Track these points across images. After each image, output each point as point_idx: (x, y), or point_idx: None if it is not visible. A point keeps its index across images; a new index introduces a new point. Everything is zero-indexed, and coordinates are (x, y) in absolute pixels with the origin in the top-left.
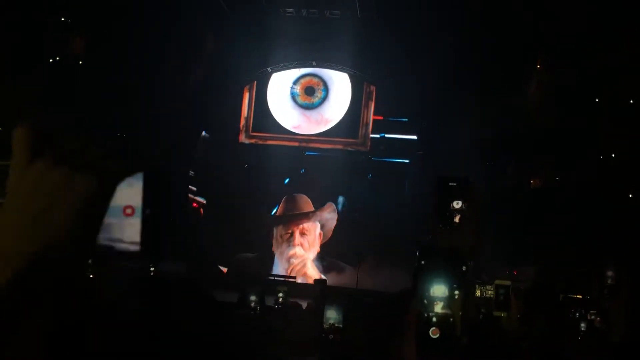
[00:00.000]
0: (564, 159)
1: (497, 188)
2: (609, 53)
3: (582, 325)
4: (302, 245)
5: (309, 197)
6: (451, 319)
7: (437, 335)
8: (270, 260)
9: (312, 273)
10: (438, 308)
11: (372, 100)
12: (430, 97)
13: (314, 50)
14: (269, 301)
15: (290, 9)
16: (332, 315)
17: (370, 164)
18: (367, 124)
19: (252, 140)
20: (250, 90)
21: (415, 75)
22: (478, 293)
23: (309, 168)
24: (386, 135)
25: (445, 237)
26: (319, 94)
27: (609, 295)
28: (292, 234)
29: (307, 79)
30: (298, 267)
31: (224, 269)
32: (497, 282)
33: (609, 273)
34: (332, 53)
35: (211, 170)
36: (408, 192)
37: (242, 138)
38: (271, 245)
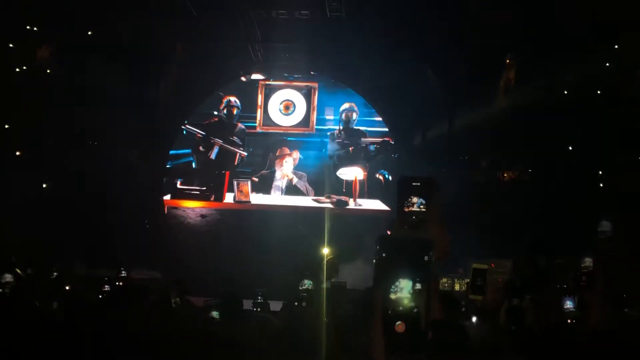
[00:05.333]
0: (536, 152)
1: (471, 183)
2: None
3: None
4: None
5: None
6: (416, 311)
7: (402, 329)
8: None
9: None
10: (402, 302)
11: (315, 95)
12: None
13: (285, 52)
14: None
15: (261, 11)
16: None
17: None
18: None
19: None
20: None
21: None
22: (457, 287)
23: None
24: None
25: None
26: (292, 109)
27: (586, 284)
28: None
29: (285, 102)
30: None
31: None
32: (474, 265)
33: (586, 262)
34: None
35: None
36: None
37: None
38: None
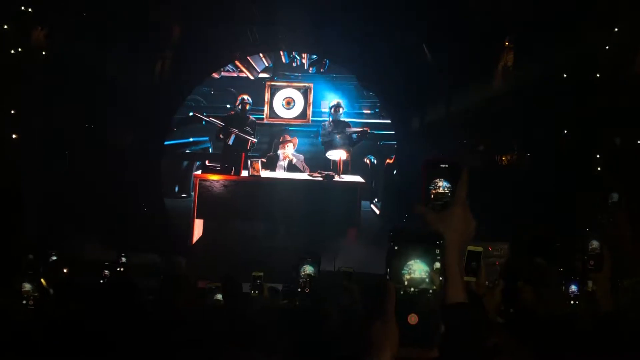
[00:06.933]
0: (534, 135)
1: (469, 166)
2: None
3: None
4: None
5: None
6: (430, 294)
7: (415, 322)
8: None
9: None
10: (415, 283)
11: (310, 93)
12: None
13: (283, 34)
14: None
15: None
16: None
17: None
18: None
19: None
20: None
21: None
22: None
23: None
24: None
25: (430, 218)
26: (292, 104)
27: (594, 267)
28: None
29: (287, 99)
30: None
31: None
32: (469, 248)
33: (593, 244)
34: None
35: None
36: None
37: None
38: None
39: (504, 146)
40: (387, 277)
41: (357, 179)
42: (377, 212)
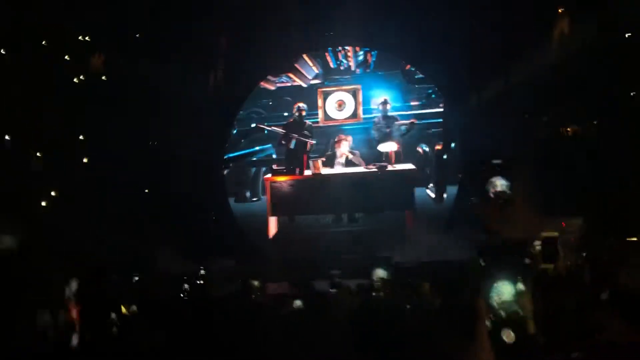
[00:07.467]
0: (599, 104)
1: (534, 141)
2: None
3: None
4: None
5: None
6: (522, 315)
7: (512, 339)
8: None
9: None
10: (507, 308)
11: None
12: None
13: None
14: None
15: None
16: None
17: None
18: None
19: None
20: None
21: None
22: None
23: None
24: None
25: (493, 218)
26: (343, 106)
27: None
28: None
29: (339, 101)
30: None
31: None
32: (544, 234)
33: None
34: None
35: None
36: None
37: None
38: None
39: (569, 117)
40: (476, 295)
41: (410, 166)
42: (432, 195)
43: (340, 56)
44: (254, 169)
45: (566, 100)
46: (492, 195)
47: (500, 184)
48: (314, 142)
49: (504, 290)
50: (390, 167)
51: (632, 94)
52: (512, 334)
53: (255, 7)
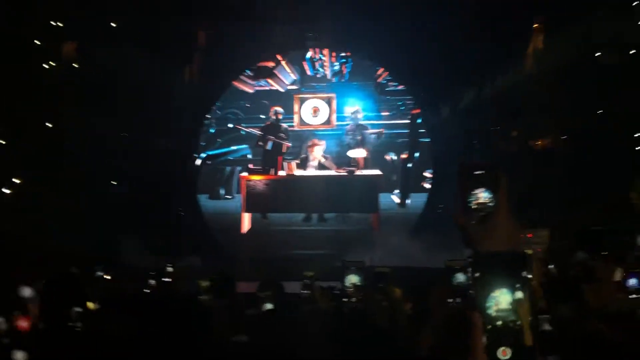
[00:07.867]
0: (568, 118)
1: (502, 153)
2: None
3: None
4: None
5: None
6: (518, 325)
7: (508, 356)
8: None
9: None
10: (503, 317)
11: (334, 102)
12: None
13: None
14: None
15: None
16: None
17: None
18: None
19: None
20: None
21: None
22: None
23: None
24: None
25: (473, 231)
26: (318, 112)
27: None
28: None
29: (314, 108)
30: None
31: None
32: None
33: None
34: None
35: None
36: None
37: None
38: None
39: (538, 131)
40: (471, 306)
41: (376, 172)
42: (397, 201)
43: (317, 65)
44: (228, 168)
45: (536, 115)
46: (474, 206)
47: (482, 195)
48: (289, 144)
49: (501, 300)
50: (358, 172)
51: (598, 112)
52: (508, 351)
53: (235, 3)
